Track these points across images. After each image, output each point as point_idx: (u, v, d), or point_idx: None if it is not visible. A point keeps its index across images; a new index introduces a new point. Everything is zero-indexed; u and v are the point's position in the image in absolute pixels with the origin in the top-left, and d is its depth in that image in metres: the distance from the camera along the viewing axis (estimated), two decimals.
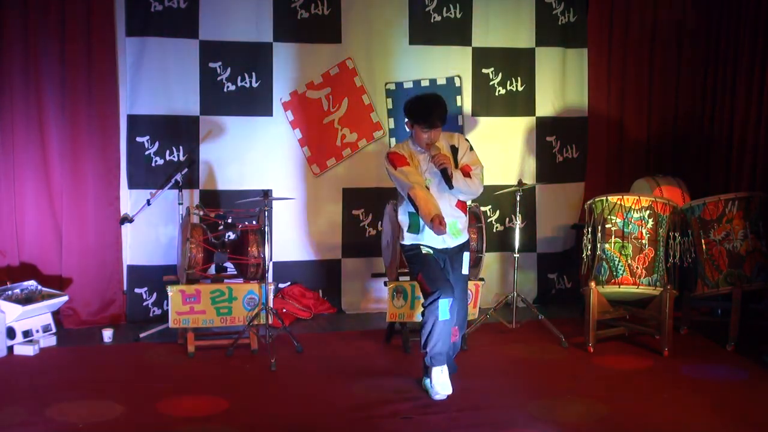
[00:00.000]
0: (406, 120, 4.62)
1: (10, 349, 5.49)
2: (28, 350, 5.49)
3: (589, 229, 5.78)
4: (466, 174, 4.62)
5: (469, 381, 4.91)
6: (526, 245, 7.05)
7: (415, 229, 4.64)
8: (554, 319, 6.10)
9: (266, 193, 5.52)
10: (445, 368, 4.61)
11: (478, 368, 5.22)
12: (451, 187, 4.52)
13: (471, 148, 4.74)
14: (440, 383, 4.58)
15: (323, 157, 6.79)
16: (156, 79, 6.38)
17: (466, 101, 7.00)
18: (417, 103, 4.60)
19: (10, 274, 6.07)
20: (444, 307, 4.49)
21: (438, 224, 4.31)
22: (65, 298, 5.95)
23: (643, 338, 5.85)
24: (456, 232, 4.67)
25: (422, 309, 4.65)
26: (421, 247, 4.65)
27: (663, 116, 7.38)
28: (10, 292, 5.63)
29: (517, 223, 6.14)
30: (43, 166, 6.21)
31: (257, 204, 5.59)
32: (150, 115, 6.41)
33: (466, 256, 4.79)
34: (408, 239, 4.72)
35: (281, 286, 6.68)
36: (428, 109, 4.53)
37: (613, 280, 5.55)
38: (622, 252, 5.54)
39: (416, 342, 5.63)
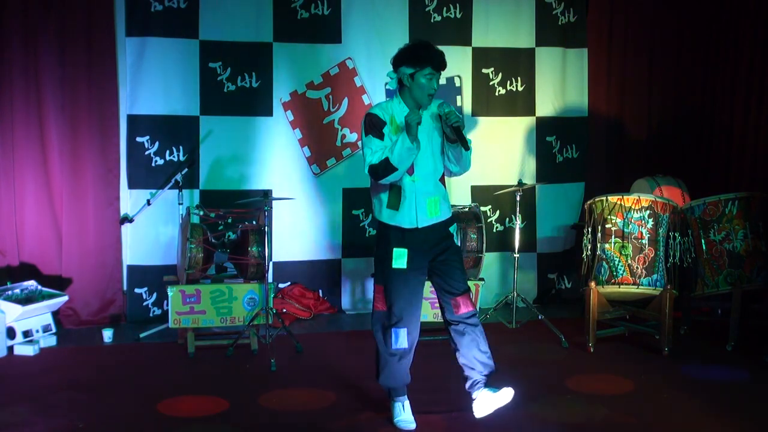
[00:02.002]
0: (402, 71, 3.95)
1: (10, 349, 5.50)
2: (28, 350, 5.49)
3: (589, 229, 5.78)
4: None
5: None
6: (526, 245, 7.05)
7: (394, 202, 4.04)
8: (554, 319, 6.10)
9: (266, 193, 5.52)
10: (406, 402, 4.18)
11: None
12: (467, 147, 3.95)
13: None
14: (403, 420, 4.13)
15: (323, 157, 6.80)
16: (156, 79, 6.39)
17: (466, 101, 7.01)
18: (415, 47, 3.95)
19: (10, 274, 6.08)
20: (400, 336, 4.03)
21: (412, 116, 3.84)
22: (65, 298, 5.95)
23: (643, 338, 5.85)
24: (434, 210, 4.05)
25: (374, 325, 4.14)
26: (395, 253, 4.01)
27: (663, 116, 7.38)
28: (10, 292, 5.63)
29: (517, 223, 6.14)
30: (43, 166, 6.21)
31: (257, 204, 5.59)
32: (150, 115, 6.41)
33: (453, 228, 4.20)
34: (385, 216, 4.09)
35: (281, 286, 6.68)
36: (430, 50, 3.92)
37: (613, 280, 5.55)
38: (622, 252, 5.54)
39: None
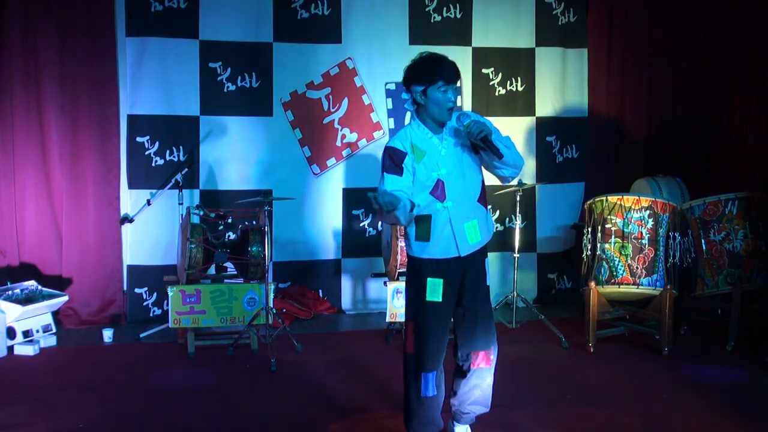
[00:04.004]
0: (414, 90, 3.61)
1: (10, 349, 5.49)
2: (28, 350, 5.49)
3: (589, 229, 5.78)
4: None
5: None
6: (526, 245, 7.05)
7: (423, 234, 3.64)
8: (554, 319, 6.10)
9: (266, 193, 5.53)
10: None
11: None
12: (500, 156, 3.54)
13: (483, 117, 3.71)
14: None
15: (323, 157, 6.80)
16: (156, 79, 6.39)
17: (466, 101, 7.00)
18: (422, 62, 3.62)
19: (10, 274, 6.08)
20: (430, 382, 3.69)
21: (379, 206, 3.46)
22: (65, 298, 5.95)
23: (643, 338, 5.85)
24: (474, 236, 3.69)
25: (404, 368, 3.77)
26: (429, 285, 3.64)
27: (663, 116, 7.38)
28: (10, 292, 5.63)
29: (517, 223, 6.14)
30: (43, 166, 6.21)
31: (257, 204, 5.60)
32: (150, 115, 6.41)
33: (487, 263, 3.85)
34: (416, 250, 3.69)
35: (281, 286, 6.68)
36: (438, 61, 3.61)
37: (613, 280, 5.55)
38: (622, 252, 5.54)
39: None
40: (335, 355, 5.58)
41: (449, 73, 3.58)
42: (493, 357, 3.82)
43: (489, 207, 3.81)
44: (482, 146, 3.57)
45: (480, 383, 3.82)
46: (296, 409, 4.51)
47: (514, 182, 6.26)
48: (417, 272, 3.69)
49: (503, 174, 3.73)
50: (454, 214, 3.64)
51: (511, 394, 4.73)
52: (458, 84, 3.67)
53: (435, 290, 3.64)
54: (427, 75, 3.57)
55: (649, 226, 5.55)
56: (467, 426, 3.94)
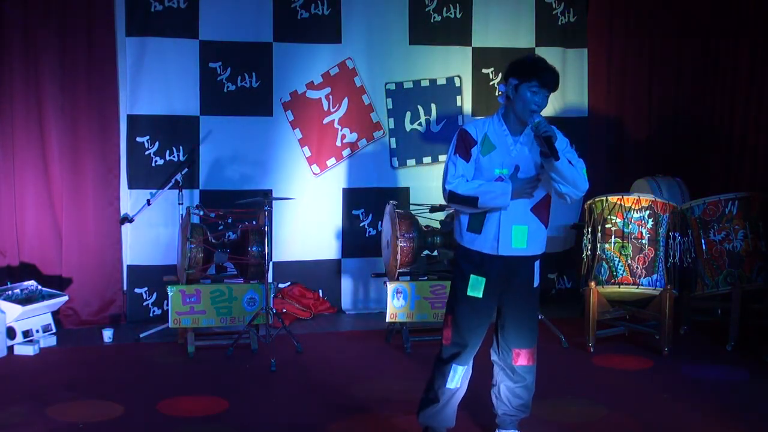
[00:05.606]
0: (509, 81, 3.64)
1: (10, 349, 5.49)
2: (28, 350, 5.49)
3: (589, 229, 5.78)
4: None
5: (470, 381, 4.91)
6: None
7: (475, 226, 3.68)
8: (554, 319, 6.10)
9: (266, 193, 5.53)
10: None
11: (478, 368, 5.20)
12: (557, 157, 3.52)
13: (571, 144, 3.78)
14: None
15: (323, 157, 6.80)
16: (156, 79, 6.39)
17: (466, 101, 7.00)
18: (527, 59, 3.70)
19: (10, 274, 6.08)
20: (457, 374, 3.76)
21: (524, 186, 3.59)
22: (65, 298, 5.95)
23: (643, 338, 5.85)
24: (520, 241, 3.67)
25: (436, 357, 3.85)
26: (471, 280, 3.70)
27: (663, 116, 7.38)
28: (10, 292, 5.63)
29: None
30: (43, 166, 6.21)
31: (257, 204, 5.60)
32: (150, 115, 6.42)
33: (537, 265, 3.81)
34: (466, 240, 3.73)
35: (281, 286, 6.68)
36: (542, 64, 3.63)
37: (613, 280, 5.55)
38: (622, 252, 5.54)
39: (416, 342, 5.65)
40: (335, 355, 5.58)
41: (547, 78, 3.59)
42: (535, 356, 3.87)
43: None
44: (544, 149, 3.56)
45: (526, 383, 3.87)
46: (296, 409, 4.51)
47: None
48: (463, 262, 3.75)
49: (561, 190, 3.67)
50: (505, 214, 3.66)
51: None
52: (550, 93, 3.63)
53: (477, 286, 3.70)
54: (526, 71, 3.60)
55: (649, 226, 5.55)
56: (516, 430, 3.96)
